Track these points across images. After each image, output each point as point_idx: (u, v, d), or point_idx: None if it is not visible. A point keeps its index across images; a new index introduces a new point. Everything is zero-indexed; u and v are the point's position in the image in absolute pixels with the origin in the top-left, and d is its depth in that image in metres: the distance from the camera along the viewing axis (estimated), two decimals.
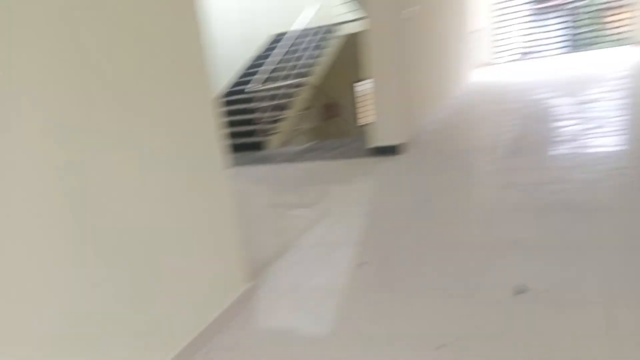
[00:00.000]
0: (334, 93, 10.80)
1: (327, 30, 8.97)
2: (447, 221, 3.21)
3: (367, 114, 8.44)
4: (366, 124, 5.47)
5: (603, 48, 11.63)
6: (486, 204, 3.37)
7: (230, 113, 8.25)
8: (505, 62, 12.39)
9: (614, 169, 3.51)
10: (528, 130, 5.17)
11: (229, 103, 8.50)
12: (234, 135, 7.59)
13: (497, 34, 11.81)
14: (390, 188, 4.26)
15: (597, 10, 14.71)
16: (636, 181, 3.25)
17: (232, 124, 7.93)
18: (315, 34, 8.83)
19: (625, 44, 10.74)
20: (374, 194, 4.20)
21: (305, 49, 8.37)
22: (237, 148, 7.15)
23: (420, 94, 6.21)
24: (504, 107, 6.85)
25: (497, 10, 11.66)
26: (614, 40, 12.60)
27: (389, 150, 5.20)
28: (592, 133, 4.62)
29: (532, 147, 4.53)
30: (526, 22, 15.66)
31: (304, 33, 8.58)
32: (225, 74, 8.72)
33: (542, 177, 3.65)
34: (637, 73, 7.43)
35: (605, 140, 4.36)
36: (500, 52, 11.98)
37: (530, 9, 16.08)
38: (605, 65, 8.84)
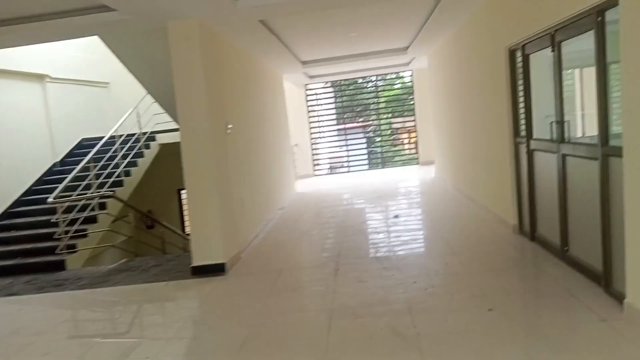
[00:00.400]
0: (158, 200, 10.16)
1: (148, 137, 8.63)
2: (275, 356, 3.00)
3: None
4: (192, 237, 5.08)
5: (397, 166, 13.87)
6: (317, 335, 3.25)
7: (22, 227, 6.93)
8: (321, 174, 13.66)
9: (424, 288, 3.87)
10: (346, 244, 5.52)
11: (21, 214, 7.17)
12: (26, 253, 6.32)
13: (313, 149, 13.06)
14: (216, 315, 3.89)
15: (390, 133, 17.74)
16: (442, 303, 3.62)
17: (23, 239, 6.61)
18: (135, 140, 8.39)
19: (414, 164, 13.06)
20: (197, 322, 3.76)
21: (119, 155, 7.80)
22: (30, 269, 5.90)
23: (246, 207, 6.21)
24: (324, 219, 7.32)
25: (313, 128, 13.01)
26: (405, 160, 15.23)
27: (213, 269, 4.88)
28: (398, 243, 5.18)
29: (352, 261, 4.78)
30: (335, 140, 17.83)
31: (122, 139, 8.07)
32: (22, 179, 7.46)
33: (365, 296, 3.78)
34: (425, 188, 8.93)
35: (409, 248, 4.92)
36: (316, 165, 13.20)
37: (338, 129, 18.49)
38: (400, 180, 10.45)
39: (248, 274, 4.84)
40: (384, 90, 14.49)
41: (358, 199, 8.72)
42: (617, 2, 2.73)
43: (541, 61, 4.42)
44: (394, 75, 17.44)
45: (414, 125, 12.87)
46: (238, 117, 6.15)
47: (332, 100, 19.43)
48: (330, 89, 17.37)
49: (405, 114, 18.79)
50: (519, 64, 4.64)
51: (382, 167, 13.75)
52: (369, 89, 17.75)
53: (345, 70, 11.90)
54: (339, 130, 19.11)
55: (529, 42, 4.28)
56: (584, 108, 3.97)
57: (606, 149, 3.08)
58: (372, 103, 15.81)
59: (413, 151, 16.38)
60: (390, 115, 15.89)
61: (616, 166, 2.99)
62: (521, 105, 4.68)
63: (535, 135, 4.44)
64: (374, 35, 7.40)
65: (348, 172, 13.63)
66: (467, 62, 6.45)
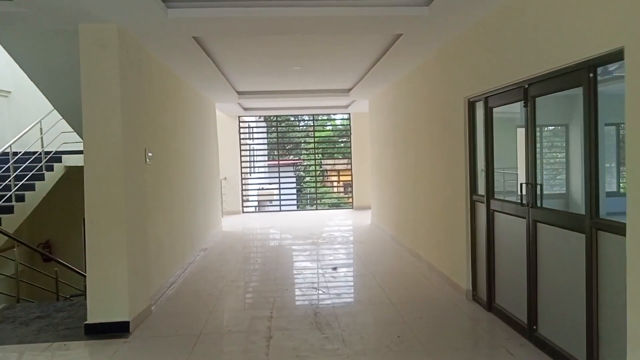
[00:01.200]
0: (59, 231, 8.65)
1: (52, 157, 7.32)
2: None
3: None
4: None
5: (326, 208, 13.38)
6: None
7: None
8: (250, 211, 12.77)
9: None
10: (279, 301, 4.73)
11: None
12: None
13: (244, 184, 12.20)
14: None
15: (320, 174, 17.33)
16: None
17: None
18: (34, 159, 7.07)
19: (347, 207, 12.64)
20: None
21: (12, 176, 6.46)
22: None
23: (163, 247, 5.22)
24: (252, 266, 6.48)
25: (244, 162, 12.19)
26: (335, 202, 14.78)
27: (114, 328, 3.87)
28: (340, 304, 4.49)
29: (288, 325, 4.00)
30: (266, 176, 17.07)
31: (18, 157, 6.74)
32: None
33: None
34: (362, 236, 8.42)
35: (353, 312, 4.24)
36: (246, 201, 12.31)
37: (270, 165, 17.77)
38: (334, 223, 9.90)
39: (158, 338, 3.87)
40: (315, 130, 14.13)
41: (290, 242, 7.98)
42: (620, 57, 2.39)
43: (505, 116, 4.12)
44: (325, 117, 17.31)
45: (349, 168, 12.53)
46: (161, 145, 5.27)
47: (265, 134, 18.83)
48: (263, 123, 16.79)
49: (336, 155, 18.70)
50: (480, 117, 4.30)
51: (312, 208, 13.16)
52: (301, 127, 17.40)
53: (282, 105, 11.37)
54: (270, 166, 18.40)
55: (495, 94, 3.96)
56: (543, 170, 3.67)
57: (596, 222, 2.69)
58: (303, 142, 15.42)
59: (342, 194, 16.07)
60: (320, 155, 15.55)
61: (608, 243, 2.59)
62: (479, 161, 4.33)
63: (497, 195, 4.06)
64: (318, 73, 6.94)
65: (279, 210, 12.88)
66: (417, 109, 6.13)
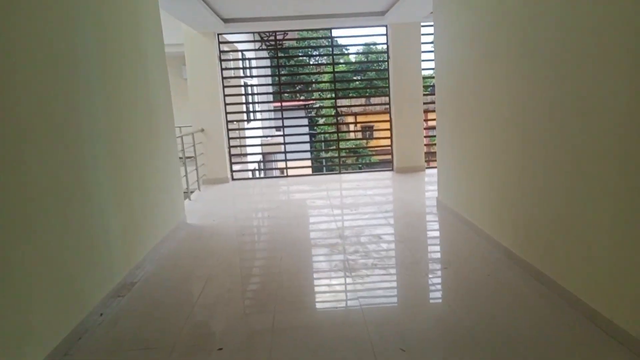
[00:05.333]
0: None
1: None
2: None
3: None
4: None
5: (353, 169, 9.51)
6: None
7: None
8: (243, 177, 8.96)
9: None
10: None
11: None
12: None
13: (228, 139, 8.30)
14: None
15: (340, 118, 13.39)
16: None
17: None
18: None
19: (382, 168, 8.71)
20: None
21: None
22: None
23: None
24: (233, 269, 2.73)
25: (227, 106, 8.20)
26: (367, 162, 10.86)
27: None
28: None
29: None
30: (267, 124, 13.13)
31: None
32: None
33: None
34: (419, 232, 4.57)
35: None
36: (236, 163, 8.46)
37: (272, 110, 13.74)
38: (379, 202, 6.07)
39: None
40: (334, 55, 9.94)
41: (296, 257, 4.15)
42: None
43: None
44: (348, 35, 12.95)
45: (387, 110, 8.45)
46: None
47: (266, 64, 14.53)
48: (261, 48, 12.60)
49: (364, 92, 14.32)
50: None
51: (333, 170, 9.21)
52: (314, 53, 12.94)
53: (284, 14, 7.26)
54: (275, 109, 14.24)
55: None
56: None
57: None
58: (315, 77, 11.26)
59: (374, 148, 12.10)
60: (339, 93, 11.49)
61: None
62: None
63: None
64: None
65: (284, 175, 9.03)
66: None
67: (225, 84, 8.11)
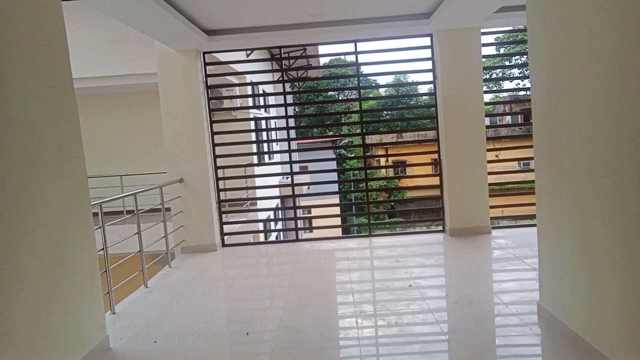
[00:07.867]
0: None
1: None
2: None
3: None
4: None
5: (389, 231, 7.13)
6: None
7: None
8: (239, 243, 6.73)
9: None
10: None
11: None
12: None
13: (217, 191, 6.17)
14: None
15: (373, 160, 11.17)
16: None
17: None
18: None
19: (430, 227, 6.29)
20: None
21: None
22: None
23: None
24: None
25: (216, 147, 6.14)
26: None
27: None
28: None
29: None
30: (277, 169, 11.05)
31: None
32: None
33: None
34: None
35: None
36: (223, 224, 6.29)
37: (285, 149, 11.65)
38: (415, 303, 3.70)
39: None
40: (360, 76, 7.94)
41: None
42: None
43: None
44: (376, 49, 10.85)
45: (436, 149, 6.14)
46: None
47: (281, 96, 12.53)
48: (279, 80, 10.74)
49: (407, 126, 11.82)
50: None
51: (363, 232, 6.73)
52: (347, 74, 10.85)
53: (287, 21, 5.28)
54: (285, 150, 11.87)
55: None
56: None
57: None
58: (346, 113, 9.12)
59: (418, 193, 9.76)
60: (364, 128, 9.27)
61: None
62: None
63: None
64: None
65: (295, 239, 6.67)
66: None
67: (214, 118, 6.06)
